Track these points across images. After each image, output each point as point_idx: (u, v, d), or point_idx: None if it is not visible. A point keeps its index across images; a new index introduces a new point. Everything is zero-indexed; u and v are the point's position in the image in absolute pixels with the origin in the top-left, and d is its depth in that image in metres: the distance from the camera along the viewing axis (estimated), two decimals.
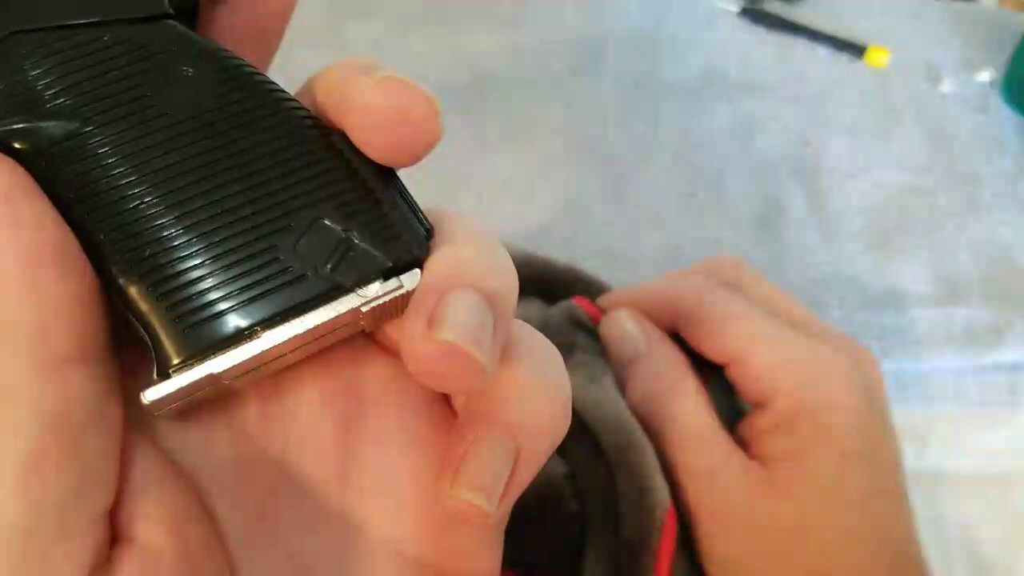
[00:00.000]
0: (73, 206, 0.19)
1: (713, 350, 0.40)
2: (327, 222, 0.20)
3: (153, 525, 0.19)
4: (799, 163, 0.65)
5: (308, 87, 0.22)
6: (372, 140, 0.20)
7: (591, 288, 0.50)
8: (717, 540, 0.37)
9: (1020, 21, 0.74)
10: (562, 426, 0.22)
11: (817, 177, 0.64)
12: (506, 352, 0.21)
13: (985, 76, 0.69)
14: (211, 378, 0.19)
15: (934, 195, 0.63)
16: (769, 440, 0.38)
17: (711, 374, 0.42)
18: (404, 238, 0.21)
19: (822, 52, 0.70)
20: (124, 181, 0.19)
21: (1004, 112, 0.68)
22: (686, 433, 0.39)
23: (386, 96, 0.20)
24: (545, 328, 0.48)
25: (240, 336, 0.19)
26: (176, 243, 0.19)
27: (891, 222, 0.62)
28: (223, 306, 0.19)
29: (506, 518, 0.23)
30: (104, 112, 0.19)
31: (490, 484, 0.20)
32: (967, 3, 0.75)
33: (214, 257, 0.19)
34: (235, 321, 0.19)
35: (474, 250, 0.21)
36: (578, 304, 0.47)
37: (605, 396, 0.42)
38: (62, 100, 0.19)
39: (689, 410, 0.39)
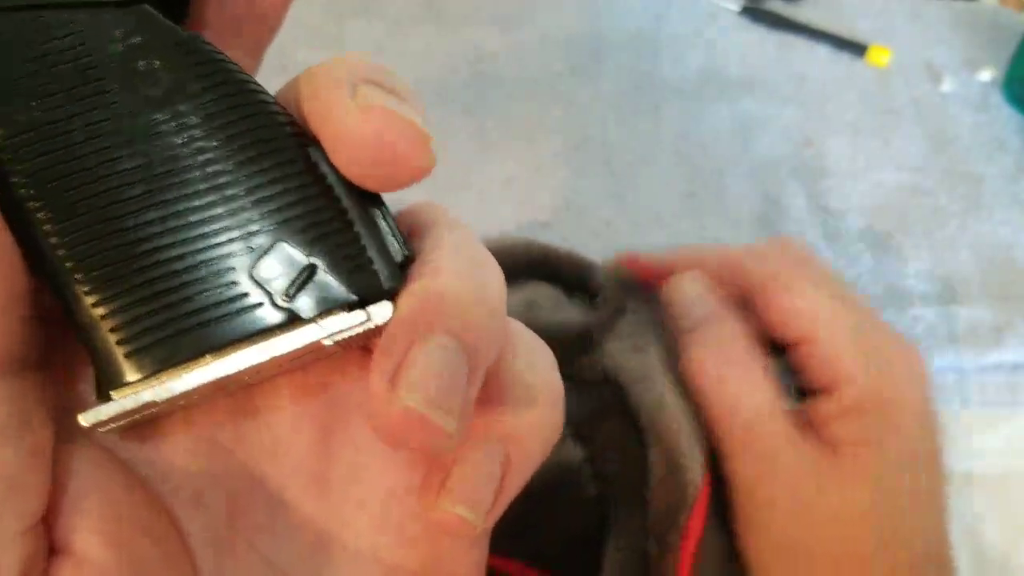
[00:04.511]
0: (21, 205, 0.17)
1: (784, 326, 0.38)
2: (290, 245, 0.18)
3: (93, 537, 0.18)
4: (800, 162, 0.65)
5: (294, 86, 0.20)
6: (351, 168, 0.19)
7: (595, 271, 0.50)
8: (777, 524, 0.36)
9: (1021, 20, 0.74)
10: (554, 432, 0.21)
11: (818, 177, 0.64)
12: (507, 350, 0.20)
13: (986, 75, 0.69)
14: (152, 404, 0.18)
15: (935, 194, 0.63)
16: (839, 425, 0.36)
17: (770, 353, 0.40)
18: (375, 267, 0.19)
19: (823, 51, 0.70)
20: (74, 185, 0.17)
21: (1005, 111, 0.67)
22: (749, 412, 0.36)
23: (369, 126, 0.18)
24: (557, 304, 0.48)
25: (186, 363, 0.17)
26: (126, 257, 0.17)
27: (892, 221, 0.62)
28: (170, 330, 0.17)
29: (492, 525, 0.22)
30: (60, 107, 0.18)
31: (478, 497, 0.19)
32: (968, 2, 0.74)
33: (166, 275, 0.17)
34: (181, 348, 0.17)
35: (455, 279, 0.18)
36: (628, 266, 0.46)
37: (646, 370, 0.41)
38: (17, 89, 0.18)
39: (754, 388, 0.36)
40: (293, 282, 0.18)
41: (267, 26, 0.22)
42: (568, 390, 0.46)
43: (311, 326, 0.18)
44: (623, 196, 0.62)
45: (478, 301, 0.18)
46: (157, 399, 0.17)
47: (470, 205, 0.62)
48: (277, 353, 0.18)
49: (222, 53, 0.19)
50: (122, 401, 0.18)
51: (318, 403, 0.21)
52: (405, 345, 0.17)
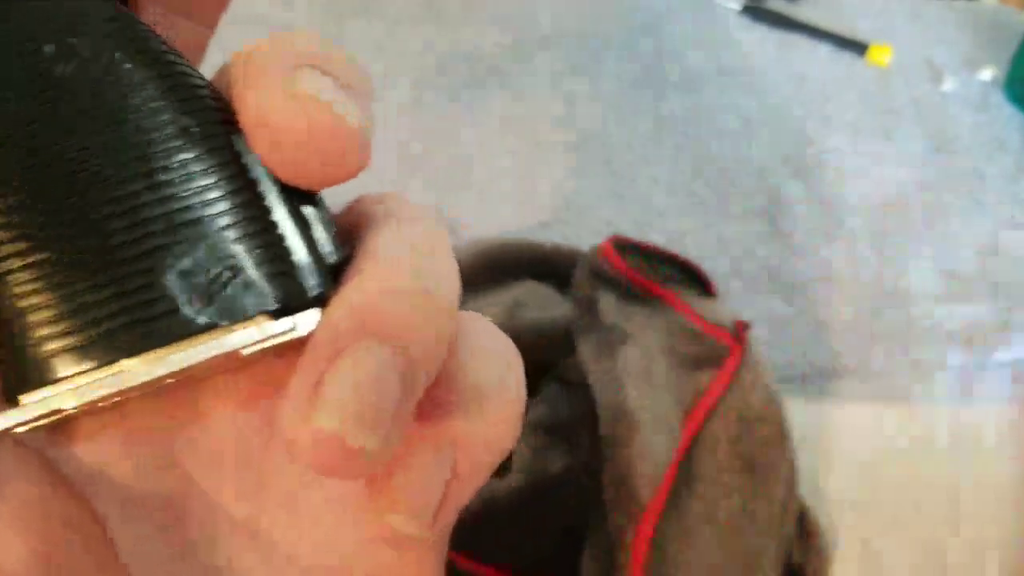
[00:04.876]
0: None
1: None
2: (210, 245, 0.16)
3: (10, 530, 0.17)
4: (801, 161, 0.64)
5: (228, 68, 0.18)
6: (275, 162, 0.17)
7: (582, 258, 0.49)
8: None
9: (1021, 20, 0.74)
10: (509, 439, 0.19)
11: (819, 175, 0.64)
12: (452, 350, 0.18)
13: (987, 74, 0.69)
14: (60, 410, 0.17)
15: (936, 193, 0.63)
16: None
17: None
18: (301, 272, 0.17)
19: (824, 50, 0.70)
20: None
21: (1006, 110, 0.67)
22: None
23: (296, 119, 0.16)
24: (545, 302, 0.48)
25: (95, 369, 0.16)
26: (35, 256, 0.16)
27: (893, 220, 0.62)
28: (80, 334, 0.16)
29: (448, 531, 0.21)
30: None
31: (421, 505, 0.18)
32: (969, 2, 0.74)
33: (76, 275, 0.16)
34: (90, 353, 0.16)
35: (393, 280, 0.17)
36: (605, 256, 0.46)
37: (610, 374, 0.41)
38: None
39: None
40: (211, 285, 0.16)
41: None
42: (556, 392, 0.47)
43: (230, 335, 0.16)
44: (624, 195, 0.62)
45: (419, 303, 0.17)
46: (64, 406, 0.16)
47: (470, 204, 0.61)
48: (192, 362, 0.16)
49: (152, 33, 0.18)
50: (28, 406, 0.17)
51: (264, 406, 0.20)
52: (329, 357, 0.16)
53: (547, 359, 0.46)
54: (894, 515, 0.51)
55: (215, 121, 0.17)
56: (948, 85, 0.69)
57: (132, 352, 0.16)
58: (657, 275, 0.46)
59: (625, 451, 0.39)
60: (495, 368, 0.19)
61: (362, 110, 0.17)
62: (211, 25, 0.69)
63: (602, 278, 0.46)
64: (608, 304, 0.45)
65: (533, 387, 0.49)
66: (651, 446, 0.39)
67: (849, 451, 0.53)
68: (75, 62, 0.17)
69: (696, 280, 0.48)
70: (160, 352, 0.16)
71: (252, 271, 0.17)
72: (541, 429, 0.44)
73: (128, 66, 0.17)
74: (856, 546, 0.49)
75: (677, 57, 0.69)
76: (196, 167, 0.17)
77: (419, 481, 0.18)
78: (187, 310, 0.16)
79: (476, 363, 0.18)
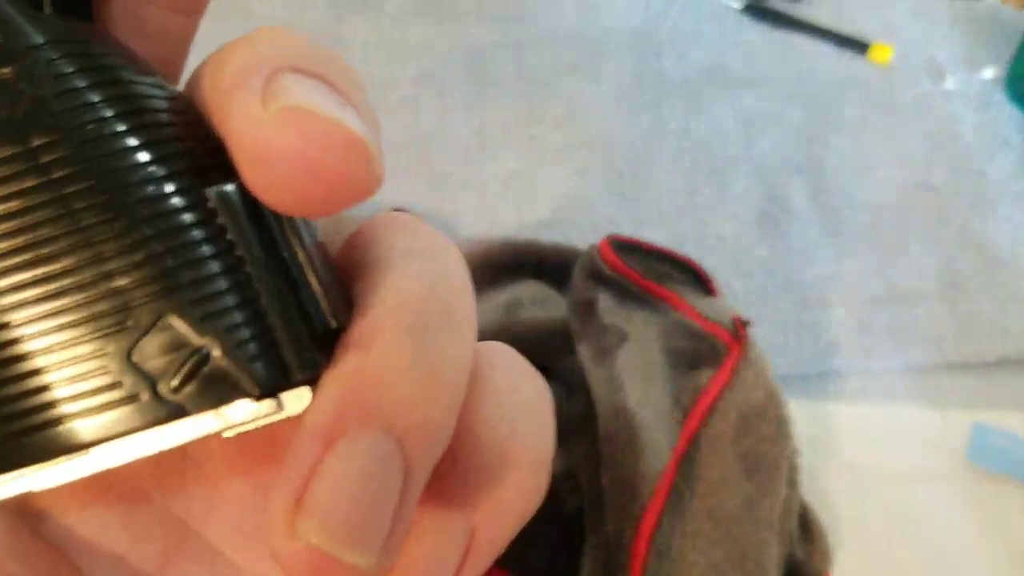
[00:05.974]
0: None
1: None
2: (178, 321, 0.14)
3: None
4: (802, 160, 0.64)
5: (198, 75, 0.15)
6: (263, 187, 0.14)
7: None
8: None
9: (1022, 19, 0.73)
10: (537, 497, 0.16)
11: (821, 174, 0.64)
12: (469, 399, 0.15)
13: (988, 73, 0.69)
14: (28, 493, 0.15)
15: (938, 192, 0.63)
16: None
17: None
18: (286, 349, 0.15)
19: (825, 49, 0.70)
20: None
21: (1008, 109, 0.67)
22: None
23: (284, 135, 0.13)
24: (544, 302, 0.48)
25: (64, 455, 0.15)
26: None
27: (895, 219, 0.62)
28: (25, 426, 0.14)
29: None
30: None
31: None
32: (970, 1, 0.74)
33: (23, 360, 0.14)
34: (36, 448, 0.14)
35: (391, 353, 0.14)
36: (603, 256, 0.46)
37: (608, 376, 0.41)
38: None
39: None
40: (181, 369, 0.14)
41: (178, 43, 0.17)
42: (556, 392, 0.46)
43: (207, 417, 0.14)
44: (625, 194, 0.62)
45: (422, 379, 0.14)
46: (33, 488, 0.15)
47: (470, 204, 0.61)
48: (156, 451, 0.14)
49: (110, 50, 0.15)
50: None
51: (261, 459, 0.18)
52: (319, 449, 0.13)
53: (546, 359, 0.46)
54: (894, 515, 0.51)
55: (178, 170, 0.14)
56: (949, 84, 0.68)
57: (83, 446, 0.14)
58: (655, 274, 0.46)
59: (625, 451, 0.39)
60: (518, 419, 0.16)
61: (364, 117, 0.14)
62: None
63: (600, 277, 0.46)
64: (607, 304, 0.45)
65: None
66: (651, 445, 0.39)
67: (849, 451, 0.53)
68: (12, 99, 0.14)
69: (696, 278, 0.48)
70: (124, 440, 0.14)
71: (229, 351, 0.14)
72: None
73: (73, 103, 0.14)
74: (856, 545, 0.49)
75: (678, 55, 0.69)
76: (159, 225, 0.14)
77: (431, 555, 0.15)
78: (153, 398, 0.14)
79: (495, 416, 0.16)
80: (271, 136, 0.13)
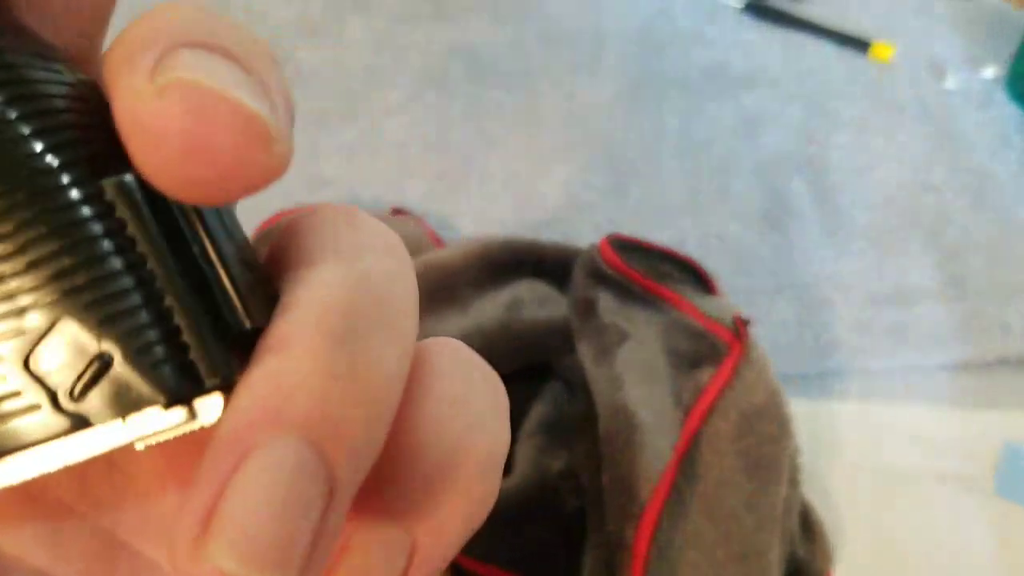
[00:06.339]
0: None
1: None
2: (76, 325, 0.13)
3: None
4: (804, 159, 0.64)
5: (102, 60, 0.14)
6: (155, 173, 0.13)
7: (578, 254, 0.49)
8: None
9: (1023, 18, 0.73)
10: (485, 506, 0.15)
11: (822, 173, 0.64)
12: (405, 403, 0.14)
13: (989, 72, 0.69)
14: None
15: (939, 191, 0.63)
16: None
17: None
18: (195, 352, 0.13)
19: (826, 48, 0.70)
20: None
21: (1008, 108, 0.67)
22: None
23: (169, 113, 0.12)
24: (545, 301, 0.48)
25: None
26: None
27: (896, 218, 0.62)
28: None
29: None
30: None
31: None
32: (971, 0, 0.74)
33: None
34: None
35: (312, 355, 0.13)
36: (604, 255, 0.46)
37: (609, 375, 0.41)
38: None
39: None
40: (80, 376, 0.13)
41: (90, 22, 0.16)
42: (557, 392, 0.46)
43: (112, 427, 0.13)
44: (625, 193, 0.62)
45: (345, 384, 0.13)
46: None
47: (470, 204, 0.61)
48: (64, 463, 0.13)
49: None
50: None
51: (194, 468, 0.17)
52: (230, 463, 0.12)
53: (547, 358, 0.46)
54: (895, 514, 0.51)
55: (74, 149, 0.13)
56: (951, 83, 0.68)
57: None
58: (656, 273, 0.46)
59: (625, 450, 0.39)
60: (464, 421, 0.15)
61: (265, 92, 0.13)
62: None
63: (601, 277, 0.46)
64: (607, 303, 0.45)
65: (533, 387, 0.50)
66: (651, 445, 0.39)
67: (850, 450, 0.53)
68: None
69: (696, 277, 0.48)
70: (25, 454, 0.13)
71: (132, 355, 0.13)
72: (541, 429, 0.44)
73: None
74: (858, 545, 0.49)
75: (679, 54, 0.69)
76: (55, 220, 0.13)
77: (366, 570, 0.14)
78: (52, 408, 0.13)
79: (437, 420, 0.15)
80: (154, 112, 0.12)
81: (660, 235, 0.60)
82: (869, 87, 0.68)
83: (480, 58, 0.68)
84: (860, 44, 0.70)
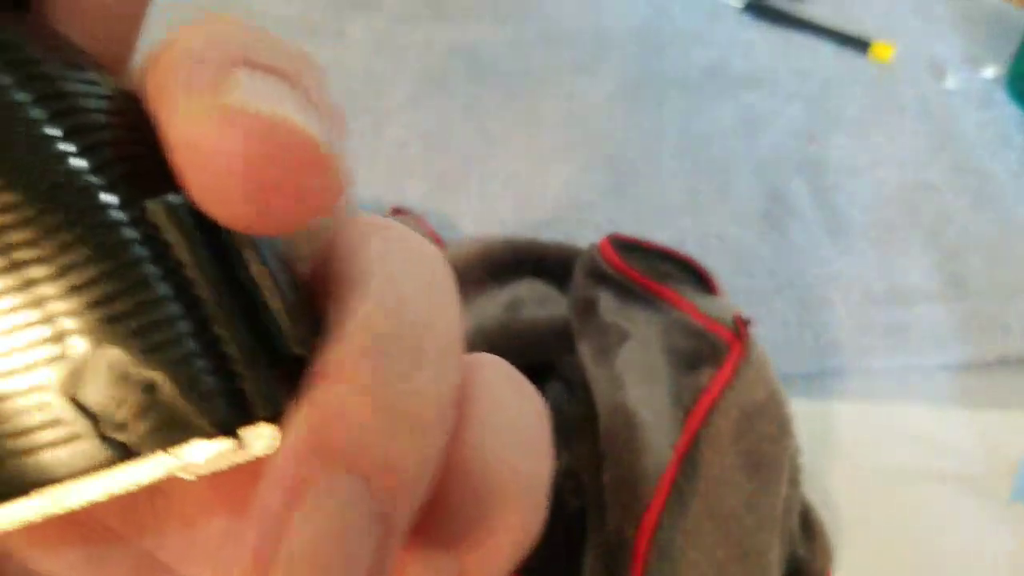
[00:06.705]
0: None
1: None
2: (118, 352, 0.12)
3: None
4: (804, 159, 0.64)
5: (142, 70, 0.13)
6: (209, 201, 0.12)
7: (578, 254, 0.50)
8: None
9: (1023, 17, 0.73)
10: (534, 531, 0.15)
11: (822, 173, 0.64)
12: (459, 432, 0.14)
13: (989, 72, 0.69)
14: None
15: (939, 191, 0.63)
16: None
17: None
18: (245, 382, 0.13)
19: (826, 48, 0.70)
20: None
21: (1009, 108, 0.67)
22: None
23: (228, 139, 0.12)
24: (545, 301, 0.48)
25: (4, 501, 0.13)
26: None
27: (896, 218, 0.62)
28: None
29: None
30: None
31: None
32: None
33: None
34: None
35: (360, 389, 0.13)
36: (604, 255, 0.46)
37: (609, 375, 0.41)
38: None
39: None
40: (126, 405, 0.13)
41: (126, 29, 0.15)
42: (557, 391, 0.47)
43: (156, 457, 0.13)
44: (626, 193, 0.62)
45: (395, 416, 0.13)
46: None
47: (470, 204, 0.61)
48: (109, 492, 0.13)
49: (32, 41, 0.13)
50: None
51: (242, 495, 0.17)
52: (283, 501, 0.12)
53: (547, 358, 0.46)
54: (896, 514, 0.51)
55: (112, 166, 0.12)
56: (950, 83, 0.68)
57: (15, 494, 0.13)
58: (656, 273, 0.46)
59: (626, 450, 0.39)
60: (512, 445, 0.15)
61: (321, 114, 0.12)
62: None
63: (601, 276, 0.46)
64: (607, 303, 0.45)
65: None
66: (652, 444, 0.39)
67: (850, 450, 0.53)
68: None
69: (696, 277, 0.48)
70: (67, 485, 0.13)
71: (178, 385, 0.13)
72: None
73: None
74: (858, 544, 0.49)
75: (679, 54, 0.69)
76: (98, 243, 0.12)
77: None
78: (96, 437, 0.13)
79: (486, 445, 0.14)
80: (215, 138, 0.12)
81: (660, 235, 0.60)
82: (869, 87, 0.68)
83: (480, 58, 0.68)
84: (860, 44, 0.70)
